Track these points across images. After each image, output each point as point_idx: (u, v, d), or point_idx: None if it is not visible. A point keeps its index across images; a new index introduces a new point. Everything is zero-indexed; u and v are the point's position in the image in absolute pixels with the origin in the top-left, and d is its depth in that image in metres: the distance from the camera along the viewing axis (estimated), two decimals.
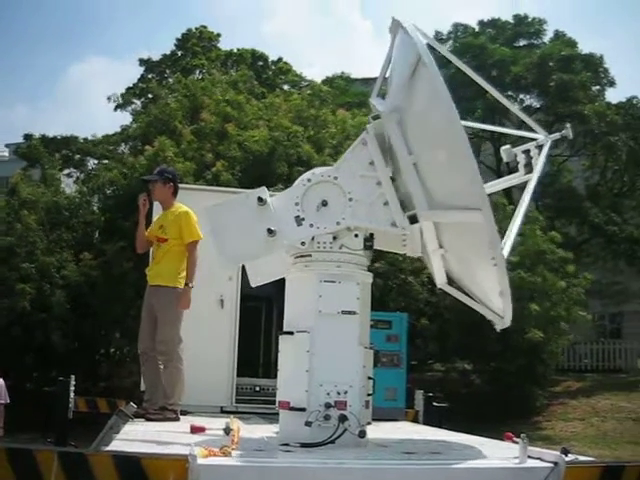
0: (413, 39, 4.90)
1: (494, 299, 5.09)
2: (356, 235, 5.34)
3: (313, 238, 5.36)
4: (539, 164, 5.91)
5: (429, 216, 5.08)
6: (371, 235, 5.40)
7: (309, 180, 5.45)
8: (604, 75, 28.32)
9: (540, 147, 6.05)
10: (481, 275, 5.04)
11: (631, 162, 27.18)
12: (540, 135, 6.12)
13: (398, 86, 5.14)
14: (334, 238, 5.33)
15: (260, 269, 6.16)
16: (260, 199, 5.42)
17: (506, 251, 5.18)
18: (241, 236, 5.52)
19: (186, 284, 7.49)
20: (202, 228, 7.12)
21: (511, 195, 22.63)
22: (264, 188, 5.56)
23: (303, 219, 5.34)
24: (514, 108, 6.88)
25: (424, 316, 17.01)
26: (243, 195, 5.63)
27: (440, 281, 5.58)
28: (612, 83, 28.51)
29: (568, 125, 6.25)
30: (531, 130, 6.42)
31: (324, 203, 5.31)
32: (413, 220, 5.13)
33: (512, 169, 6.76)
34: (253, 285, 6.47)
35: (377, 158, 5.27)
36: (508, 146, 6.24)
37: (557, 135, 6.12)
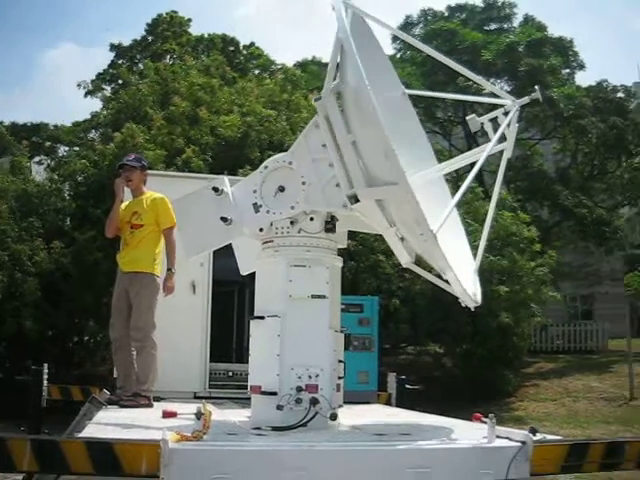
0: (336, 14, 4.91)
1: (460, 277, 5.13)
2: (312, 218, 5.38)
3: (272, 224, 5.41)
4: (502, 128, 5.61)
5: (366, 194, 5.09)
6: (332, 217, 5.44)
7: (266, 167, 5.50)
8: (574, 59, 28.50)
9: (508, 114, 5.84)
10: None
11: (601, 145, 27.41)
12: (507, 101, 5.87)
13: (333, 64, 5.18)
14: (292, 223, 5.37)
15: (249, 258, 6.17)
16: (216, 189, 5.47)
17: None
18: (201, 226, 5.63)
19: (169, 269, 7.58)
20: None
21: (482, 177, 22.84)
22: (223, 178, 5.64)
23: (260, 206, 5.38)
24: (476, 76, 6.66)
25: (396, 298, 17.10)
26: (203, 187, 5.67)
27: (404, 260, 5.53)
28: (582, 66, 28.75)
29: (537, 87, 6.06)
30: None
31: (281, 189, 5.34)
32: (355, 199, 5.17)
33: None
34: (243, 273, 6.50)
35: (328, 140, 5.26)
36: (473, 115, 6.06)
37: (526, 99, 5.85)
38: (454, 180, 20.30)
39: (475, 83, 7.47)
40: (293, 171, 5.38)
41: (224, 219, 5.40)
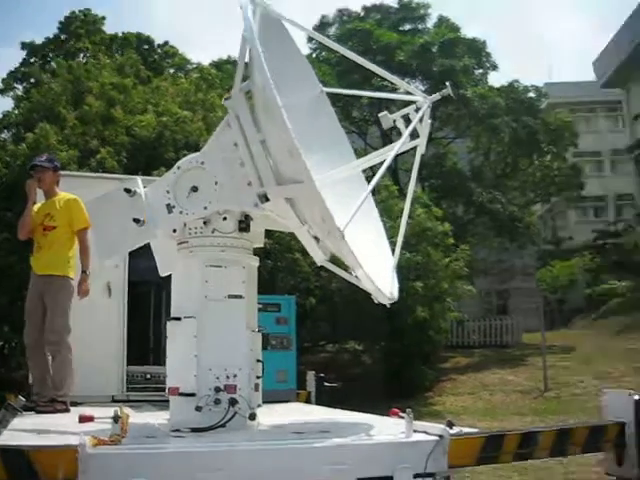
0: (242, 13, 4.93)
1: (379, 274, 5.19)
2: (224, 218, 5.39)
3: (185, 224, 5.41)
4: (413, 124, 5.69)
5: (275, 192, 5.14)
6: (246, 217, 5.45)
7: (179, 167, 5.47)
8: (486, 59, 29.04)
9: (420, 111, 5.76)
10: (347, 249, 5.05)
11: (513, 144, 28.02)
12: (419, 98, 5.87)
13: (241, 64, 5.23)
14: (205, 223, 5.37)
15: (168, 259, 6.12)
16: (128, 190, 5.43)
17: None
18: (113, 228, 5.56)
19: (83, 271, 7.44)
20: None
21: (397, 176, 23.11)
22: (136, 179, 5.60)
23: (174, 206, 5.36)
24: (390, 76, 6.70)
25: (314, 297, 17.19)
26: (116, 188, 5.61)
27: (318, 259, 5.57)
28: (494, 67, 29.32)
29: (447, 83, 6.10)
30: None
31: (194, 189, 5.32)
32: (265, 198, 5.19)
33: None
34: (162, 275, 6.42)
35: (239, 139, 5.27)
36: (385, 112, 6.00)
37: (437, 95, 5.85)
38: (371, 179, 20.57)
39: (390, 83, 7.51)
40: (205, 171, 5.37)
41: (136, 220, 5.34)
